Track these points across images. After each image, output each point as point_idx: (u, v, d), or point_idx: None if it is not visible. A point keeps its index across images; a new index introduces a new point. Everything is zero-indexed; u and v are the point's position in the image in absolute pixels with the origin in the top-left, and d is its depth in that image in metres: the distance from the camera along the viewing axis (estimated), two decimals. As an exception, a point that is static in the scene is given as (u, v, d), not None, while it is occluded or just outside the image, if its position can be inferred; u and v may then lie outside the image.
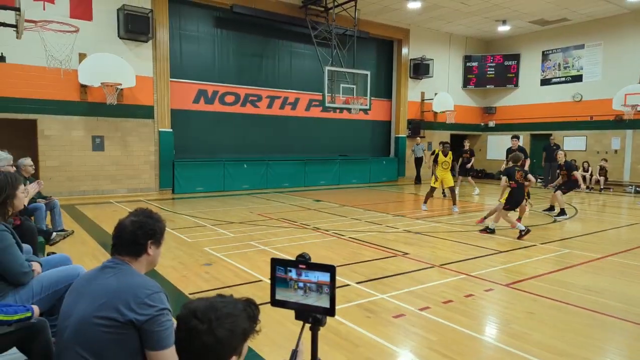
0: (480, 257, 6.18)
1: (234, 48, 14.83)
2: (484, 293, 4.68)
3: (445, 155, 10.29)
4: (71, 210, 9.69)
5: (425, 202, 10.60)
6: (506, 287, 4.87)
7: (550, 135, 16.93)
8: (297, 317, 1.69)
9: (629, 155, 16.52)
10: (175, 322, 1.60)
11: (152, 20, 12.26)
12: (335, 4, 14.42)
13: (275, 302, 1.68)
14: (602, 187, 15.60)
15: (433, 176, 10.42)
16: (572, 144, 17.62)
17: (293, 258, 1.67)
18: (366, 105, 14.84)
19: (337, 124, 17.17)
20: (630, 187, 15.54)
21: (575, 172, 9.48)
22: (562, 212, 9.36)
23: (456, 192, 10.83)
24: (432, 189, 10.44)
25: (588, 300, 4.50)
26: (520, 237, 7.28)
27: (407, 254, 6.30)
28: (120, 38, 12.13)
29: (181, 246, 6.60)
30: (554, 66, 18.82)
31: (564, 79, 18.46)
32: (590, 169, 16.26)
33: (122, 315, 1.76)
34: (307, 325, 1.69)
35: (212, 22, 14.36)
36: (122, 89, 11.84)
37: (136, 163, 12.82)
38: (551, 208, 9.92)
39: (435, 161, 10.34)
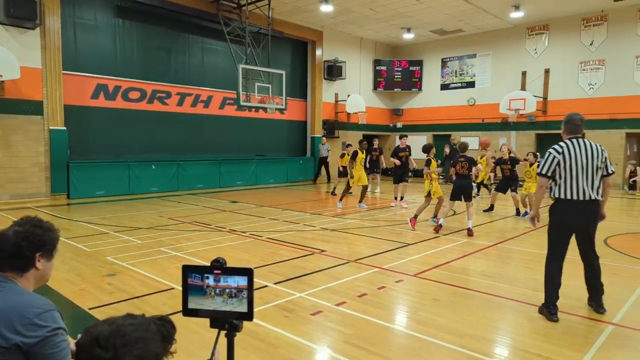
0: (391, 250, 6.53)
1: (139, 41, 13.92)
2: (395, 284, 4.95)
3: (364, 153, 10.82)
4: (-59, 220, 8.38)
5: (340, 199, 10.93)
6: (414, 277, 5.21)
7: (450, 135, 18.44)
8: (212, 325, 1.63)
9: (515, 153, 18.59)
10: (71, 342, 1.44)
11: (40, 5, 11.02)
12: (248, 1, 14.22)
13: (187, 312, 1.61)
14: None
15: (352, 173, 10.78)
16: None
17: (208, 263, 1.61)
18: (282, 105, 14.86)
19: (253, 123, 16.96)
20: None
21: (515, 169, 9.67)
22: (517, 212, 9.66)
23: (370, 190, 11.34)
24: (349, 187, 10.81)
25: (483, 285, 4.98)
26: (437, 229, 7.78)
27: (324, 251, 6.44)
28: (0, 23, 10.73)
29: (78, 257, 6.04)
30: (451, 72, 20.52)
31: (460, 84, 20.22)
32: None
33: (6, 340, 1.55)
34: (223, 332, 1.64)
35: (112, 12, 13.31)
36: (3, 81, 10.49)
37: (22, 165, 11.40)
38: (491, 208, 10.24)
39: (354, 159, 10.72)
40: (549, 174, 4.00)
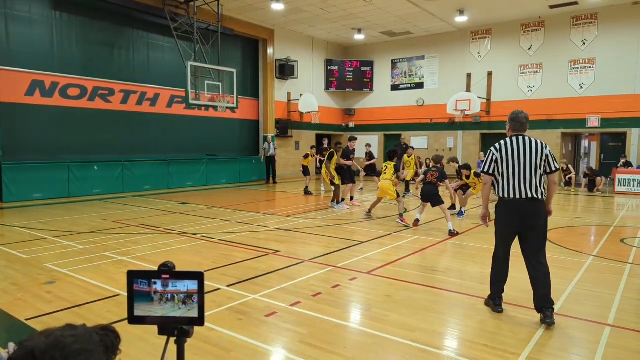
0: (345, 249, 6.59)
1: (79, 35, 13.15)
2: (349, 282, 4.99)
3: (337, 153, 10.88)
4: None
5: (337, 201, 10.82)
6: (367, 275, 5.28)
7: (400, 135, 18.95)
8: (161, 332, 1.55)
9: (460, 152, 19.42)
10: (2, 354, 1.32)
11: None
12: (196, -3, 13.85)
13: (133, 319, 1.52)
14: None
15: (332, 174, 10.77)
16: (417, 143, 19.92)
17: (156, 267, 1.53)
18: (233, 103, 14.60)
19: (203, 122, 16.53)
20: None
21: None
22: (454, 207, 10.23)
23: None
24: (338, 187, 10.82)
25: (434, 280, 5.14)
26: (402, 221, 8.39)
27: (278, 251, 6.38)
28: None
29: (14, 264, 5.60)
30: (401, 74, 21.08)
31: (409, 85, 20.81)
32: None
33: None
34: (173, 339, 1.57)
35: (48, 4, 12.48)
36: None
37: (-53, 167, 10.46)
38: (453, 207, 10.40)
39: (330, 160, 10.79)
40: (490, 172, 4.02)
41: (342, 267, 5.61)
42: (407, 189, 13.67)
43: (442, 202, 8.14)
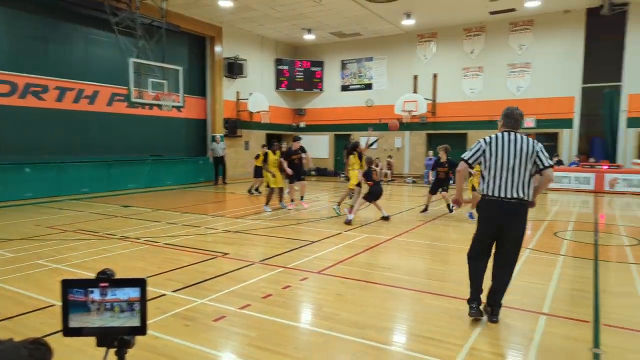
0: (296, 249, 6.57)
1: (8, 28, 12.17)
2: (300, 282, 4.98)
3: (275, 154, 10.69)
4: None
5: (267, 202, 10.53)
6: (318, 274, 5.30)
7: (350, 135, 19.23)
8: (100, 344, 1.47)
9: (408, 152, 20.04)
10: None
11: None
12: (139, -10, 13.26)
13: (68, 331, 1.43)
14: (389, 179, 18.51)
15: (269, 175, 10.55)
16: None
17: (94, 275, 1.45)
18: (179, 102, 14.13)
19: (147, 121, 15.85)
20: (408, 178, 18.88)
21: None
22: (449, 207, 9.89)
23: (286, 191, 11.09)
24: (272, 190, 10.59)
25: (383, 277, 5.25)
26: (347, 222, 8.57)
27: (227, 254, 6.25)
28: None
29: None
30: (351, 74, 21.39)
31: (359, 86, 21.17)
32: (380, 164, 19.11)
33: None
34: (113, 350, 1.49)
35: (-28, -9, 11.46)
36: None
37: None
38: (426, 209, 10.09)
39: (266, 161, 10.62)
40: (470, 162, 3.79)
41: (292, 267, 5.59)
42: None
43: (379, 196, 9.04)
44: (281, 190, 10.81)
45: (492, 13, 16.83)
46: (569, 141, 17.03)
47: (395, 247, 6.92)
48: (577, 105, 16.61)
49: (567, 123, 16.71)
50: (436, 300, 4.46)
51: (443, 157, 9.84)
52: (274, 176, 10.51)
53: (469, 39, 18.46)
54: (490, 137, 3.74)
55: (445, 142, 19.58)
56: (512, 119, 3.78)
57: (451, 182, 9.85)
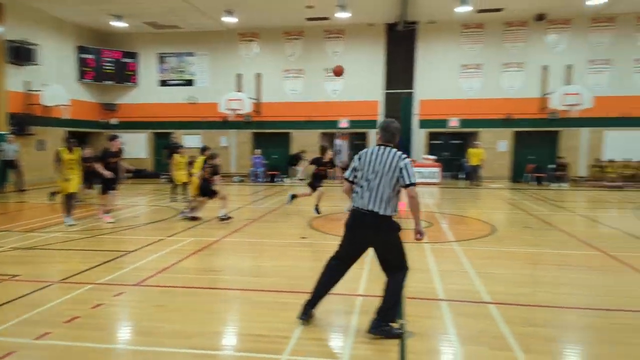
0: (109, 261, 5.79)
1: None
2: (114, 298, 4.39)
3: (71, 152, 8.76)
4: None
5: (68, 214, 8.54)
6: (136, 287, 4.76)
7: (172, 133, 18.10)
8: None
9: (235, 150, 19.94)
10: None
11: None
12: None
13: None
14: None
15: (62, 179, 8.65)
16: (190, 141, 19.35)
17: None
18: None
19: None
20: (236, 177, 18.81)
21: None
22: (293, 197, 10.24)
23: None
24: (69, 196, 8.66)
25: (209, 280, 5.03)
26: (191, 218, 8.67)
27: (16, 276, 5.11)
28: None
29: None
30: (170, 69, 20.12)
31: (179, 81, 20.07)
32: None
33: None
34: None
35: None
36: None
37: None
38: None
39: (59, 160, 8.62)
40: (350, 179, 3.79)
41: (104, 282, 4.90)
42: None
43: (217, 193, 8.93)
44: (69, 200, 8.70)
45: (309, 19, 17.99)
46: (375, 140, 19.47)
47: (224, 248, 6.74)
48: (381, 108, 19.08)
49: (373, 124, 19.03)
50: (264, 296, 4.48)
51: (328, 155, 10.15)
52: (66, 180, 8.56)
53: (289, 42, 19.35)
54: (363, 151, 3.78)
55: (270, 141, 20.36)
56: (388, 132, 3.74)
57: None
